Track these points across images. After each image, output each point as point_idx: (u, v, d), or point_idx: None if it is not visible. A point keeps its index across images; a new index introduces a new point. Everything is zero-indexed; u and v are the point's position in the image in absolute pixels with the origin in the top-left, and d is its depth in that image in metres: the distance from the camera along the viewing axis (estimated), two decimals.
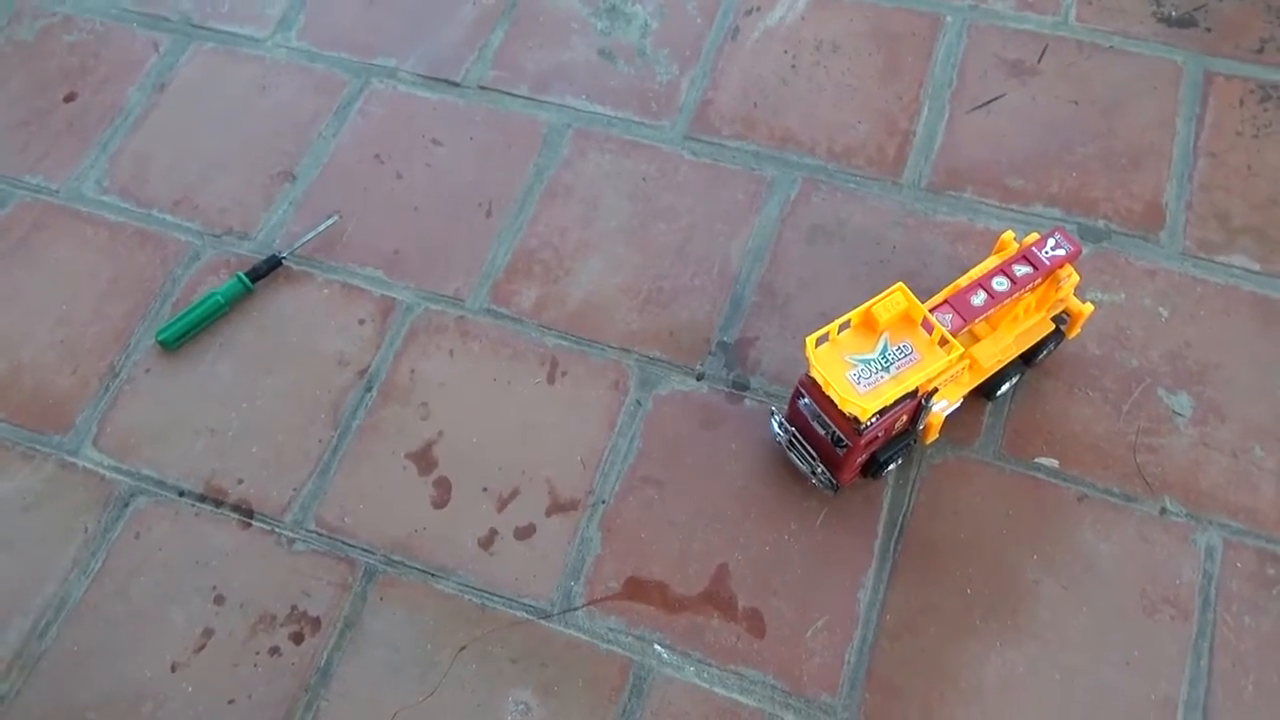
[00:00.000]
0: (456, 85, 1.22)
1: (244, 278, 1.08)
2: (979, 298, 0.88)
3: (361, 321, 1.08)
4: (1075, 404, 0.99)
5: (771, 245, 1.09)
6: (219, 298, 1.07)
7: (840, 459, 0.90)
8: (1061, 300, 0.95)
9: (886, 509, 0.96)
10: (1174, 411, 0.98)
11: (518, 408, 1.03)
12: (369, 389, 1.04)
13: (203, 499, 1.00)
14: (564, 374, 1.04)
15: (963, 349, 0.85)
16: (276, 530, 0.98)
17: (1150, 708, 0.87)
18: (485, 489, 0.99)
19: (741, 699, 0.89)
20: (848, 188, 1.12)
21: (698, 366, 1.04)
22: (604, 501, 0.98)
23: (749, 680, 0.90)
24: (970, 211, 1.10)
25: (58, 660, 0.94)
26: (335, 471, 1.00)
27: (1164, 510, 0.94)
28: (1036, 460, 0.97)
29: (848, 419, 0.86)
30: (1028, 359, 0.97)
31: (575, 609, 0.93)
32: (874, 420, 0.85)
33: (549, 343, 1.06)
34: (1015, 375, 0.97)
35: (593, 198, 1.14)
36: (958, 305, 0.88)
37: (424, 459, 1.01)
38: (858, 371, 0.83)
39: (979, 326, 0.93)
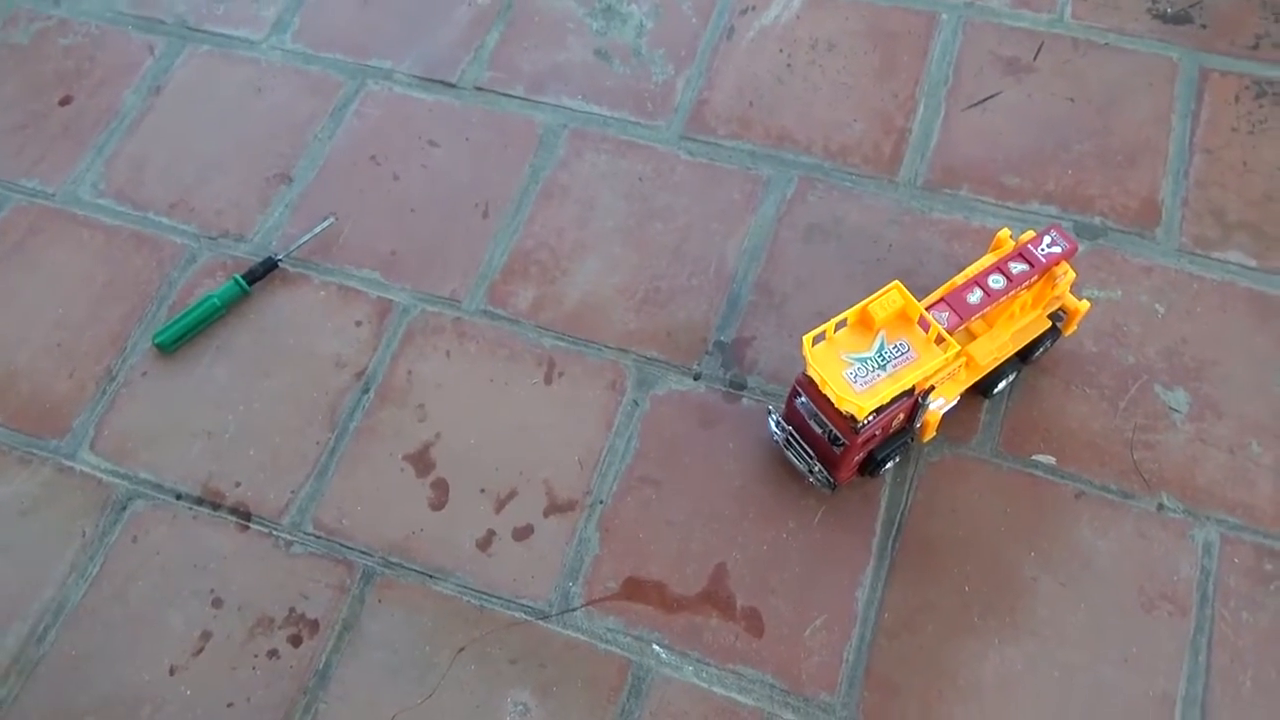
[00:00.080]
0: (452, 86, 1.22)
1: (240, 280, 1.08)
2: (975, 295, 0.88)
3: (358, 323, 1.08)
4: (1072, 401, 0.99)
5: (768, 244, 1.09)
6: (215, 300, 1.07)
7: (837, 457, 0.90)
8: (1058, 297, 0.95)
9: (884, 507, 0.96)
10: (1171, 408, 0.98)
11: (515, 409, 1.03)
12: (366, 391, 1.04)
13: (200, 502, 1.00)
14: (561, 374, 1.04)
15: (959, 347, 0.85)
16: (274, 533, 0.98)
17: (1148, 704, 0.87)
18: (483, 490, 0.99)
19: (740, 698, 0.89)
20: (844, 186, 1.12)
21: (695, 366, 1.04)
22: (602, 502, 0.98)
23: (747, 679, 0.90)
24: (966, 209, 1.10)
25: (56, 664, 0.94)
26: (333, 474, 1.00)
27: (1161, 507, 0.94)
28: (1034, 457, 0.97)
29: (844, 417, 0.86)
30: (1024, 356, 0.97)
31: (573, 609, 0.93)
32: (871, 418, 0.85)
33: (546, 343, 1.06)
34: (1012, 373, 0.97)
35: (589, 198, 1.14)
36: (954, 303, 0.88)
37: (421, 460, 1.01)
38: (854, 370, 0.83)
39: (975, 324, 0.92)
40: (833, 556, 0.94)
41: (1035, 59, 1.18)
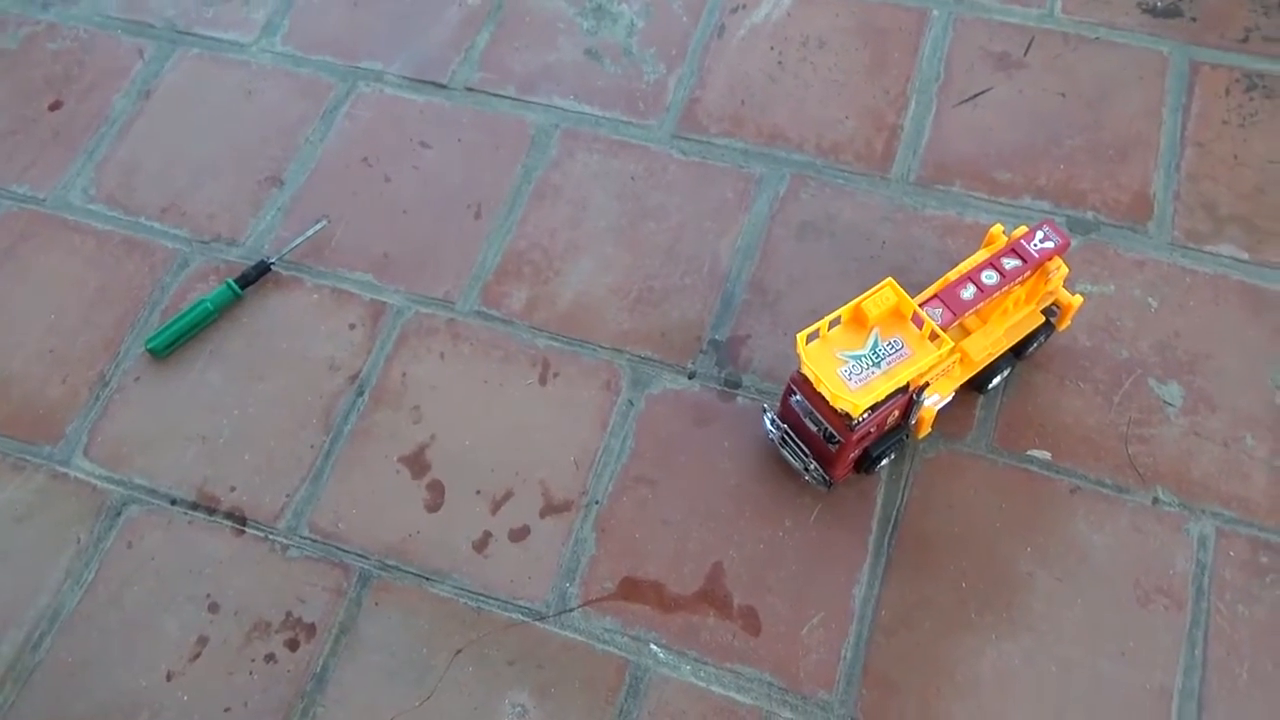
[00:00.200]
0: (443, 87, 1.22)
1: (233, 284, 1.08)
2: (969, 291, 0.88)
3: (352, 326, 1.08)
4: (1066, 396, 0.99)
5: (761, 243, 1.09)
6: (208, 305, 1.07)
7: (833, 455, 0.90)
8: (1051, 292, 0.96)
9: (880, 504, 0.96)
10: (1165, 402, 0.99)
11: (510, 409, 1.02)
12: (360, 393, 1.04)
13: (195, 507, 1.00)
14: (556, 375, 1.04)
15: (953, 343, 0.85)
16: (270, 537, 0.98)
17: (1146, 697, 0.87)
18: (478, 491, 0.99)
19: (738, 697, 0.89)
20: (836, 183, 1.12)
21: (689, 365, 1.04)
22: (598, 502, 0.98)
23: (745, 678, 0.90)
24: (959, 205, 1.10)
25: (52, 671, 0.93)
26: (328, 477, 1.00)
27: (1156, 500, 0.94)
28: (1029, 453, 0.97)
29: (839, 415, 0.86)
30: (1018, 352, 0.97)
31: (571, 610, 0.93)
32: (866, 416, 0.85)
33: (540, 344, 1.06)
34: (1006, 368, 0.97)
35: (581, 198, 1.14)
36: (947, 299, 0.88)
37: (417, 463, 1.00)
38: (849, 367, 0.83)
39: (969, 320, 0.93)
40: (829, 554, 0.94)
41: (1026, 54, 1.18)
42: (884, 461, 0.95)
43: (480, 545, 0.96)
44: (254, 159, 1.19)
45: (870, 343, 0.84)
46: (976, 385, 0.97)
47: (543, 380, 1.04)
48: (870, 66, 1.19)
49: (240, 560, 0.97)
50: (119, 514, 1.00)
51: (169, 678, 0.92)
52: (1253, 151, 1.10)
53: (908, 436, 0.95)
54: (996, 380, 0.98)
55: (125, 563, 0.97)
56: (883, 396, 0.83)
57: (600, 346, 1.05)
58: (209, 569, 0.97)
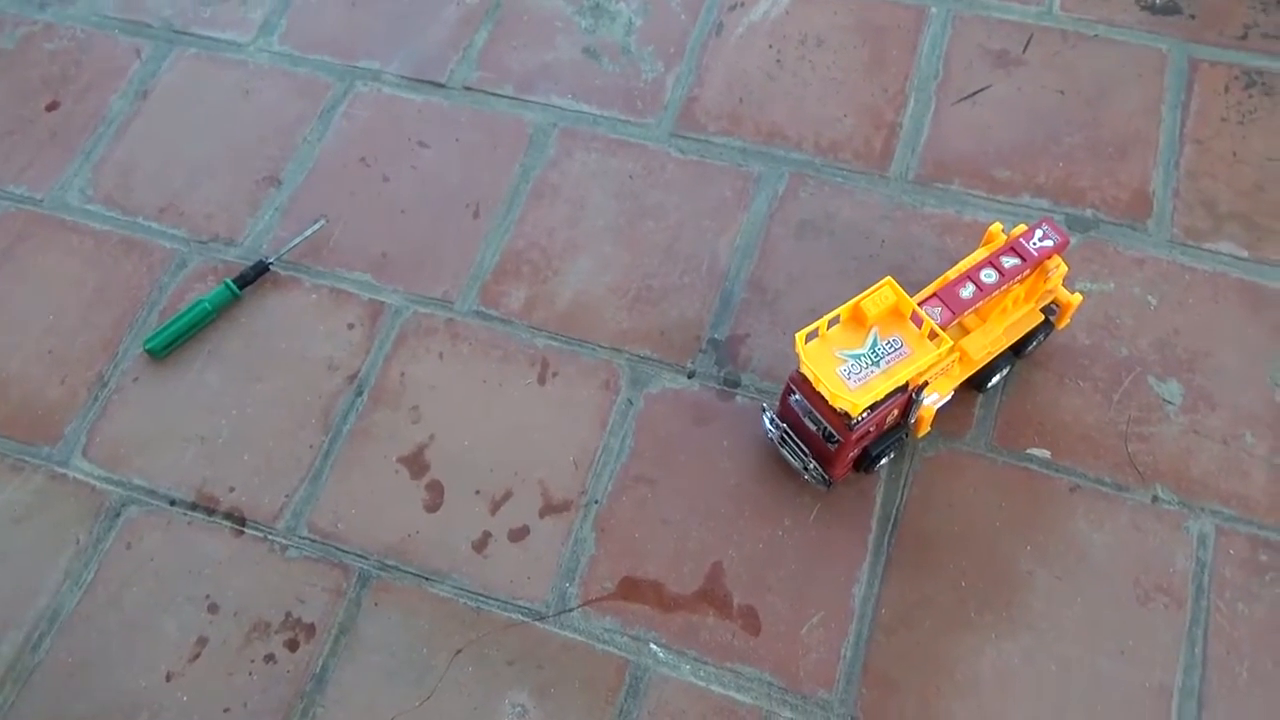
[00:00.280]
0: (441, 86, 1.22)
1: (231, 284, 1.08)
2: (968, 290, 0.88)
3: (350, 326, 1.08)
4: (1066, 394, 0.99)
5: (760, 241, 1.09)
6: (206, 305, 1.07)
7: (832, 454, 0.90)
8: (1050, 291, 0.96)
9: (879, 503, 0.96)
10: (1164, 400, 0.98)
11: (509, 409, 1.02)
12: (359, 393, 1.04)
13: (194, 507, 1.00)
14: (555, 374, 1.04)
15: (952, 342, 0.85)
16: (269, 537, 0.98)
17: (1146, 696, 0.87)
18: (478, 491, 0.99)
19: (738, 696, 0.89)
20: (835, 182, 1.12)
21: (689, 364, 1.04)
22: (597, 501, 0.97)
23: (745, 678, 0.90)
24: (958, 203, 1.10)
25: (52, 672, 0.93)
26: (327, 477, 1.00)
27: (1156, 499, 0.94)
28: (1028, 451, 0.97)
29: (839, 414, 0.86)
30: (1018, 350, 0.97)
31: (570, 610, 0.93)
32: (865, 415, 0.85)
33: (539, 343, 1.06)
34: (1005, 367, 0.97)
35: (580, 197, 1.13)
36: (946, 298, 0.88)
37: (416, 463, 1.00)
38: (848, 367, 0.83)
39: (968, 319, 0.93)
40: (829, 553, 0.94)
41: (1025, 52, 1.18)
42: (883, 460, 0.95)
43: (480, 545, 0.96)
44: (252, 159, 1.18)
45: (869, 342, 0.84)
46: (976, 384, 0.97)
47: (542, 380, 1.04)
48: (869, 64, 1.19)
49: (239, 561, 0.97)
50: (118, 515, 1.00)
51: (168, 678, 0.92)
52: (1252, 149, 1.10)
53: (907, 435, 0.95)
54: (996, 379, 0.98)
55: (124, 563, 0.97)
56: (882, 396, 0.83)
57: (599, 346, 1.05)
58: (208, 569, 0.97)
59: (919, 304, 0.86)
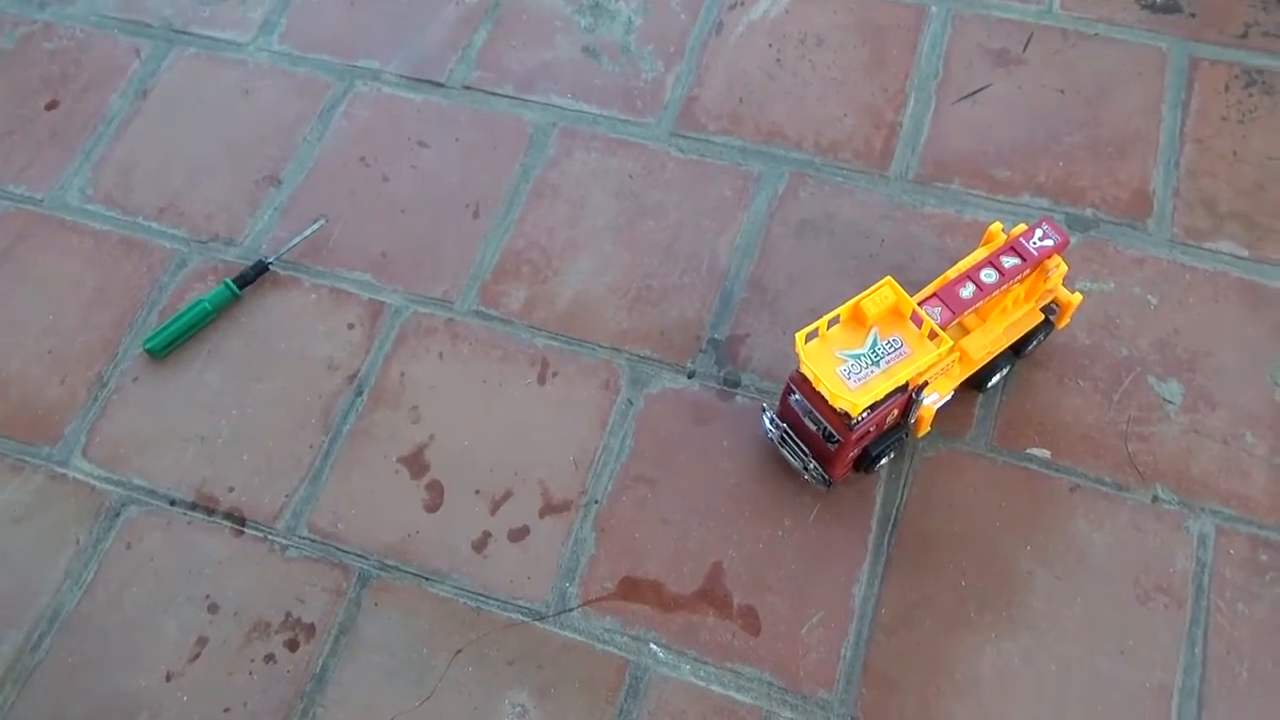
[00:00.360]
0: (441, 86, 1.22)
1: (231, 284, 1.08)
2: (968, 290, 0.88)
3: (350, 326, 1.08)
4: (1066, 394, 0.99)
5: (760, 241, 1.09)
6: (206, 305, 1.07)
7: (832, 454, 0.90)
8: (1050, 290, 0.95)
9: (879, 503, 0.96)
10: (1164, 399, 0.98)
11: (509, 409, 1.02)
12: (359, 393, 1.04)
13: (194, 507, 1.00)
14: (555, 374, 1.04)
15: (952, 342, 0.85)
16: (269, 537, 0.98)
17: (1146, 696, 0.87)
18: (478, 491, 0.99)
19: (738, 696, 0.89)
20: (835, 181, 1.12)
21: (689, 364, 1.03)
22: (597, 501, 0.97)
23: (745, 678, 0.90)
24: (958, 203, 1.10)
25: (52, 672, 0.93)
26: (327, 477, 1.00)
27: (1156, 498, 0.94)
28: (1028, 451, 0.97)
29: (839, 414, 0.86)
30: (1018, 350, 0.97)
31: (570, 610, 0.93)
32: (865, 415, 0.85)
33: (539, 343, 1.06)
34: (1005, 367, 0.97)
35: (580, 197, 1.13)
36: (946, 298, 0.88)
37: (416, 463, 1.00)
38: (848, 367, 0.83)
39: (968, 319, 0.92)
40: (829, 553, 0.94)
41: (1025, 51, 1.18)
42: (883, 460, 0.95)
43: (480, 545, 0.96)
44: (251, 158, 1.18)
45: (869, 342, 0.84)
46: (976, 384, 0.97)
47: (541, 380, 1.04)
48: (869, 64, 1.19)
49: (239, 561, 0.97)
50: (118, 515, 1.00)
51: (168, 678, 0.92)
52: (1252, 148, 1.10)
53: (907, 435, 0.95)
54: (996, 379, 0.98)
55: (124, 563, 0.97)
56: (882, 395, 0.83)
57: (599, 346, 1.05)
58: (208, 569, 0.97)
59: (919, 304, 0.86)
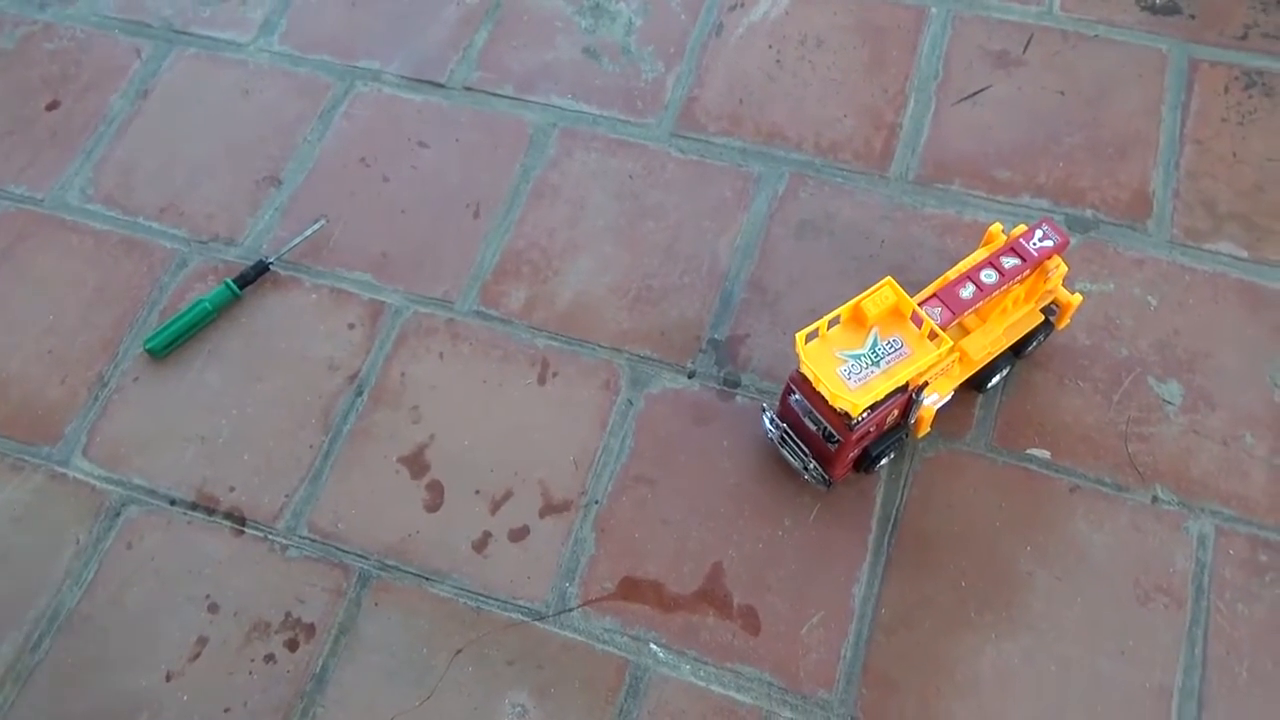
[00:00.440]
0: (441, 86, 1.22)
1: (231, 284, 1.08)
2: (968, 290, 0.88)
3: (351, 326, 1.08)
4: (1066, 395, 0.99)
5: (760, 241, 1.09)
6: (206, 305, 1.07)
7: (832, 454, 0.90)
8: (1050, 291, 0.96)
9: (879, 503, 0.96)
10: (1164, 400, 0.99)
11: (509, 409, 1.02)
12: (359, 393, 1.04)
13: (194, 507, 1.00)
14: (555, 375, 1.04)
15: (952, 342, 0.85)
16: (269, 537, 0.98)
17: (1146, 696, 0.87)
18: (478, 491, 0.99)
19: (738, 696, 0.89)
20: (835, 182, 1.12)
21: (689, 364, 1.04)
22: (597, 502, 0.97)
23: (745, 678, 0.90)
24: (958, 204, 1.10)
25: (52, 672, 0.93)
26: (327, 477, 1.00)
27: (1156, 499, 0.94)
28: (1028, 451, 0.97)
29: (839, 414, 0.86)
30: (1018, 351, 0.97)
31: (570, 610, 0.93)
32: (865, 415, 0.85)
33: (539, 344, 1.06)
34: (1005, 367, 0.97)
35: (580, 197, 1.13)
36: (946, 298, 0.88)
37: (416, 463, 1.00)
38: (848, 367, 0.83)
39: (968, 319, 0.93)
40: (829, 553, 0.94)
41: (1025, 52, 1.18)
42: (883, 461, 0.95)
43: (480, 545, 0.96)
44: (252, 159, 1.18)
45: (869, 342, 0.84)
46: (976, 384, 0.97)
47: (542, 380, 1.04)
48: (869, 65, 1.19)
49: (240, 560, 0.97)
50: (118, 514, 1.00)
51: (169, 678, 0.92)
52: (1251, 149, 1.10)
53: (907, 436, 0.95)
54: (996, 379, 0.98)
55: (125, 563, 0.97)
56: (882, 396, 0.83)
57: (599, 346, 1.05)
58: (208, 569, 0.97)
59: (919, 304, 0.86)
